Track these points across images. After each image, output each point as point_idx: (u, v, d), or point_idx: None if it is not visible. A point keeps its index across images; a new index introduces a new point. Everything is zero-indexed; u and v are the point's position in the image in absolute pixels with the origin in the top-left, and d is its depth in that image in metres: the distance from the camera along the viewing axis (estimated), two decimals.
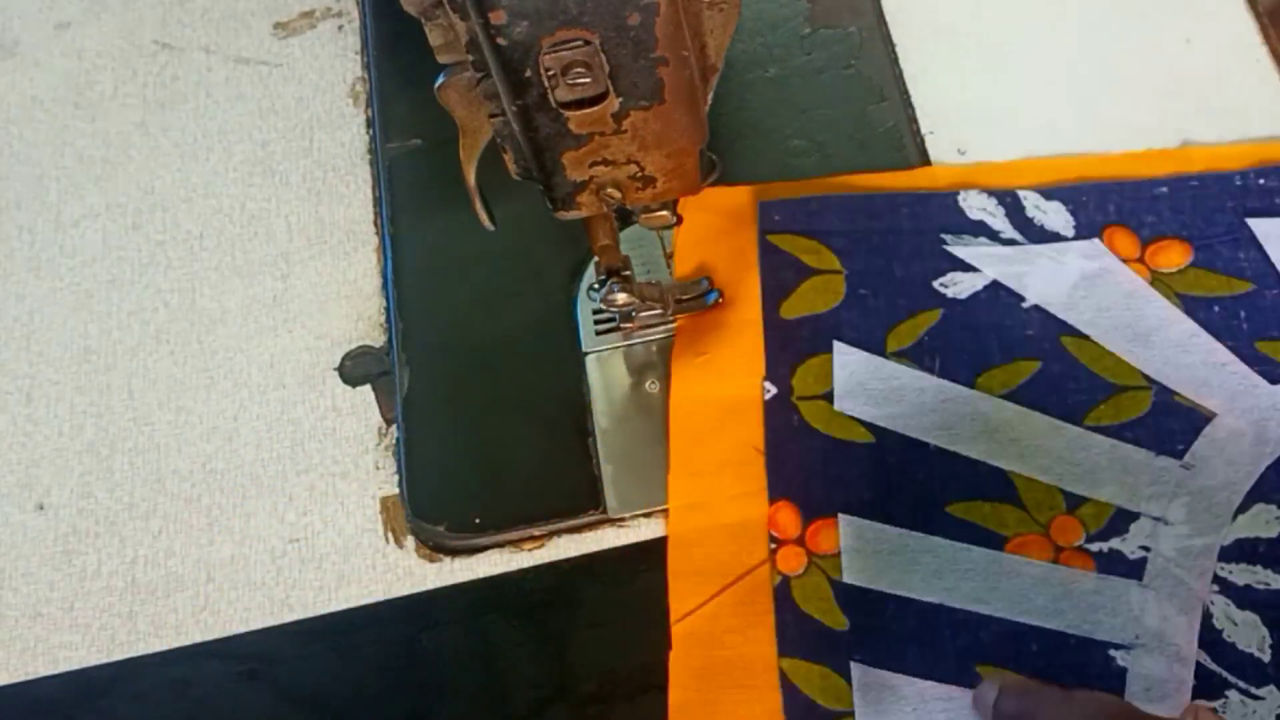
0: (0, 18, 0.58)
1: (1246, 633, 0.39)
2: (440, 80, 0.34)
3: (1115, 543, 0.40)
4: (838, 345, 0.44)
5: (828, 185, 0.48)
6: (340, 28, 0.56)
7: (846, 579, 0.41)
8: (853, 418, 0.43)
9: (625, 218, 0.43)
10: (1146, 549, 0.40)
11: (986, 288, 0.45)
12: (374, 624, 0.43)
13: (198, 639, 0.44)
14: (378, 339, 0.48)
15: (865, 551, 0.41)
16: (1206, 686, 0.38)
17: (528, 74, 0.31)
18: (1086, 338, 0.44)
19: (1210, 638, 0.39)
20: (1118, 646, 0.39)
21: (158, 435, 0.47)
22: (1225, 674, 0.38)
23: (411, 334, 0.48)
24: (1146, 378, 0.43)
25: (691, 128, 0.34)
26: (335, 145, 0.53)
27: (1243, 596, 0.39)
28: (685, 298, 0.45)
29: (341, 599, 0.44)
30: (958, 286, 0.45)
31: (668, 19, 0.30)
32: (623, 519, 0.43)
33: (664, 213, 0.40)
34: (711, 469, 0.43)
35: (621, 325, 0.46)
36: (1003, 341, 0.44)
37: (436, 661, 0.42)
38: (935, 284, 0.45)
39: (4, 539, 0.46)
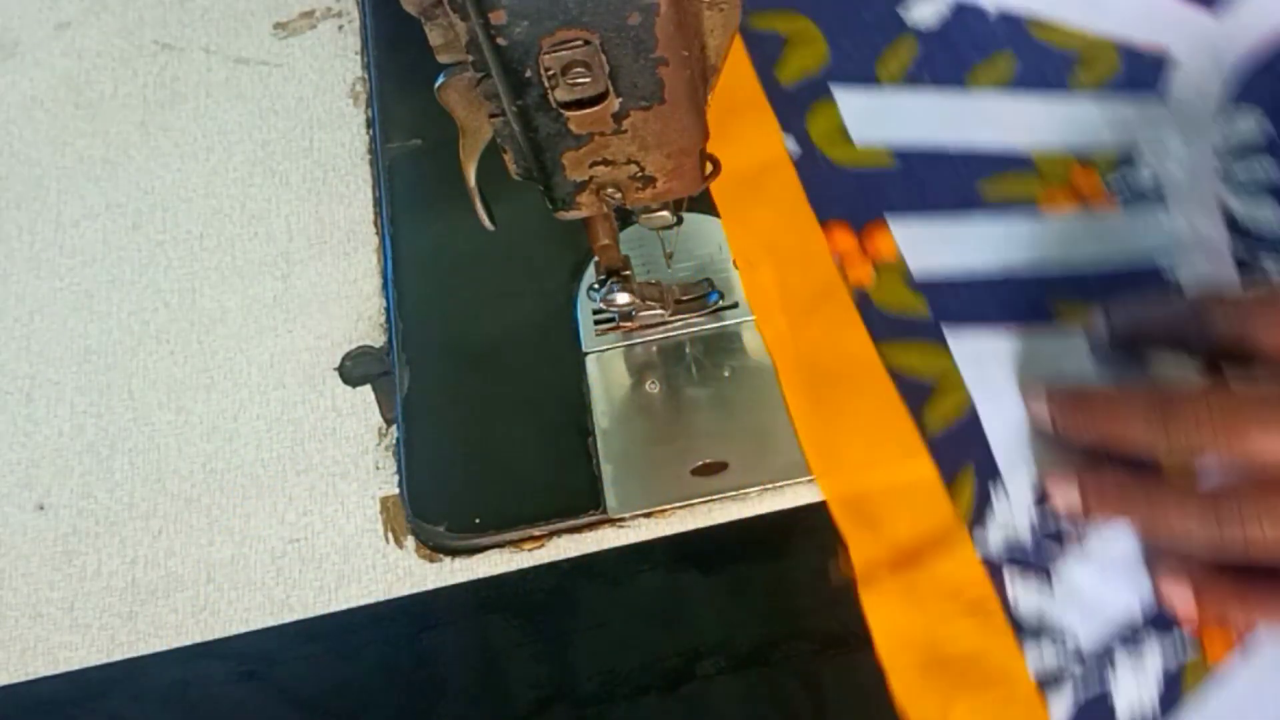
0: (0, 18, 0.58)
1: (1266, 216, 0.43)
2: (440, 80, 0.34)
3: (1130, 179, 0.45)
4: (834, 87, 0.49)
5: None
6: (340, 28, 0.56)
7: (915, 274, 0.44)
8: (874, 148, 0.47)
9: (625, 218, 0.43)
10: (1156, 175, 0.45)
11: (952, 10, 0.50)
12: (374, 624, 0.43)
13: (198, 639, 0.44)
14: (378, 339, 0.48)
15: (920, 245, 0.45)
16: (1247, 270, 0.43)
17: (528, 74, 0.31)
18: (1050, 23, 0.49)
19: (1236, 230, 0.43)
20: (1165, 263, 0.43)
21: (158, 435, 0.47)
22: (1260, 253, 0.43)
23: (411, 334, 0.48)
24: (1110, 39, 0.48)
25: (692, 128, 0.34)
26: (335, 145, 0.53)
27: (1253, 188, 0.44)
28: (686, 298, 0.45)
29: (341, 599, 0.44)
30: (921, 11, 0.50)
31: (668, 19, 0.30)
32: (623, 519, 0.43)
33: (664, 213, 0.40)
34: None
35: (621, 324, 0.46)
36: (982, 52, 0.49)
37: (436, 661, 0.42)
38: (898, 10, 0.50)
39: (4, 539, 0.46)
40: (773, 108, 0.49)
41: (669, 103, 0.32)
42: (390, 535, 0.44)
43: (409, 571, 0.44)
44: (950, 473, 0.41)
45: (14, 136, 0.55)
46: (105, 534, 0.46)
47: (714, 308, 0.45)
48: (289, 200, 0.52)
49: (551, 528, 0.44)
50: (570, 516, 0.44)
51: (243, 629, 0.44)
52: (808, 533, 0.42)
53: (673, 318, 0.45)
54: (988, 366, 0.42)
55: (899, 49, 0.49)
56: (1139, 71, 0.47)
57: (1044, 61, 0.48)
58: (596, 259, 0.42)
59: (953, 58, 0.49)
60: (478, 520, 0.44)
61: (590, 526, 0.44)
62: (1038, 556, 0.40)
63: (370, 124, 0.53)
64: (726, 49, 0.33)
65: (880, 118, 0.48)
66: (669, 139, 0.34)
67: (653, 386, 0.45)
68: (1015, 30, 0.49)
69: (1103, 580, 0.39)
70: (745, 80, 0.49)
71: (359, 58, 0.55)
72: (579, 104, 0.32)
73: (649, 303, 0.44)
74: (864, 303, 0.44)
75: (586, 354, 0.46)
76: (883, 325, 0.44)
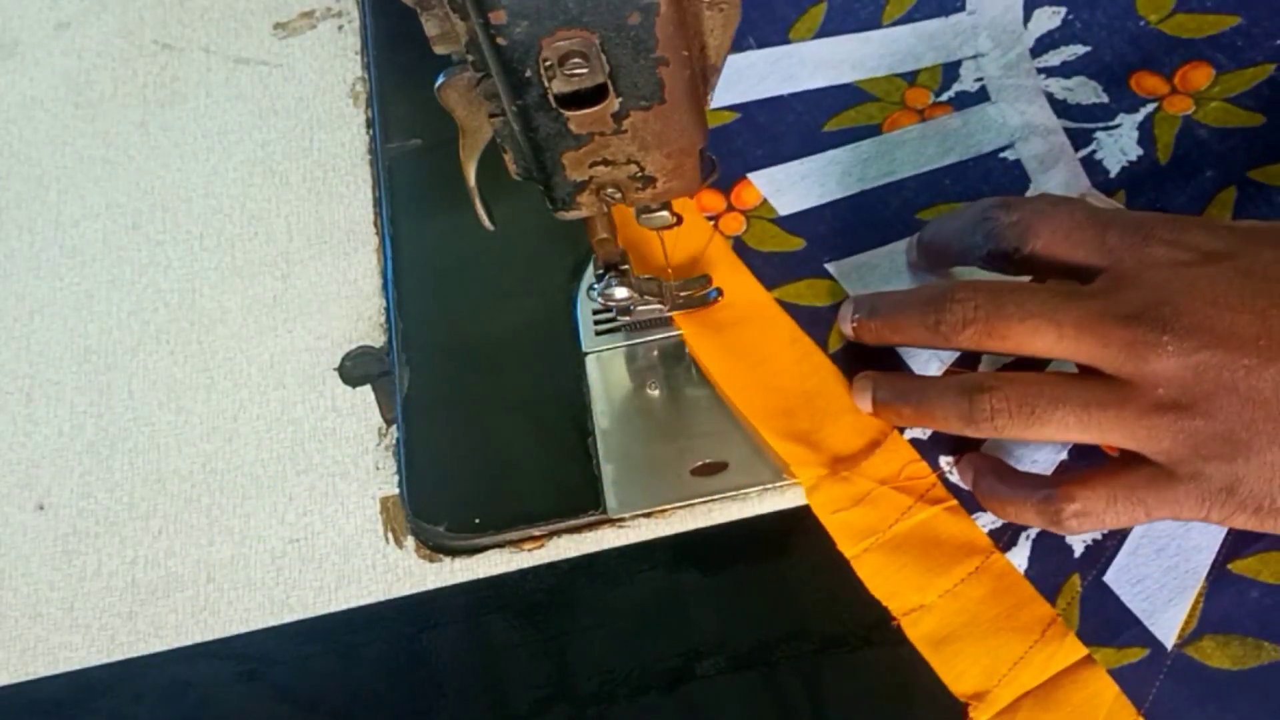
0: (0, 18, 0.58)
1: (1083, 91, 0.47)
2: (440, 80, 0.34)
3: (956, 87, 0.49)
4: None
5: None
6: (340, 28, 0.56)
7: (782, 213, 0.47)
8: (721, 108, 0.50)
9: None
10: (980, 79, 0.49)
11: None
12: (374, 624, 0.43)
13: (198, 639, 0.44)
14: (378, 339, 0.48)
15: (783, 188, 0.48)
16: (1078, 142, 0.46)
17: (528, 74, 0.31)
18: None
19: (1060, 108, 0.47)
20: (1003, 149, 0.47)
21: (158, 435, 0.47)
22: (1085, 124, 0.47)
23: (411, 334, 0.48)
24: None
25: (691, 128, 0.34)
26: (335, 145, 0.53)
27: (1065, 70, 0.48)
28: (684, 293, 0.45)
29: (341, 599, 0.44)
30: None
31: (668, 19, 0.30)
32: (623, 519, 0.43)
33: (664, 213, 0.40)
34: None
35: (619, 318, 0.46)
36: (796, 8, 0.52)
37: (436, 661, 0.42)
38: None
39: (4, 539, 0.46)
40: None
41: (669, 103, 0.32)
42: (390, 535, 0.44)
43: (409, 571, 0.44)
44: None
45: (14, 136, 0.55)
46: (105, 534, 0.46)
47: (713, 303, 0.45)
48: (289, 200, 0.52)
49: (551, 528, 0.44)
50: (570, 516, 0.44)
51: (243, 629, 0.44)
52: (807, 533, 0.42)
53: (671, 312, 0.45)
54: (870, 282, 0.45)
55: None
56: None
57: (852, 3, 0.51)
58: (595, 253, 0.42)
59: (771, 18, 0.52)
60: (478, 520, 0.44)
61: (590, 526, 0.44)
62: (963, 436, 0.41)
63: (370, 124, 0.53)
64: (726, 49, 0.33)
65: (730, 79, 0.50)
66: (669, 139, 0.34)
67: (653, 387, 0.45)
68: None
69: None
70: None
71: (359, 58, 0.55)
72: (578, 101, 0.32)
73: (647, 297, 0.44)
74: (742, 249, 0.47)
75: (586, 354, 0.46)
76: (765, 266, 0.46)
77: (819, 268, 0.46)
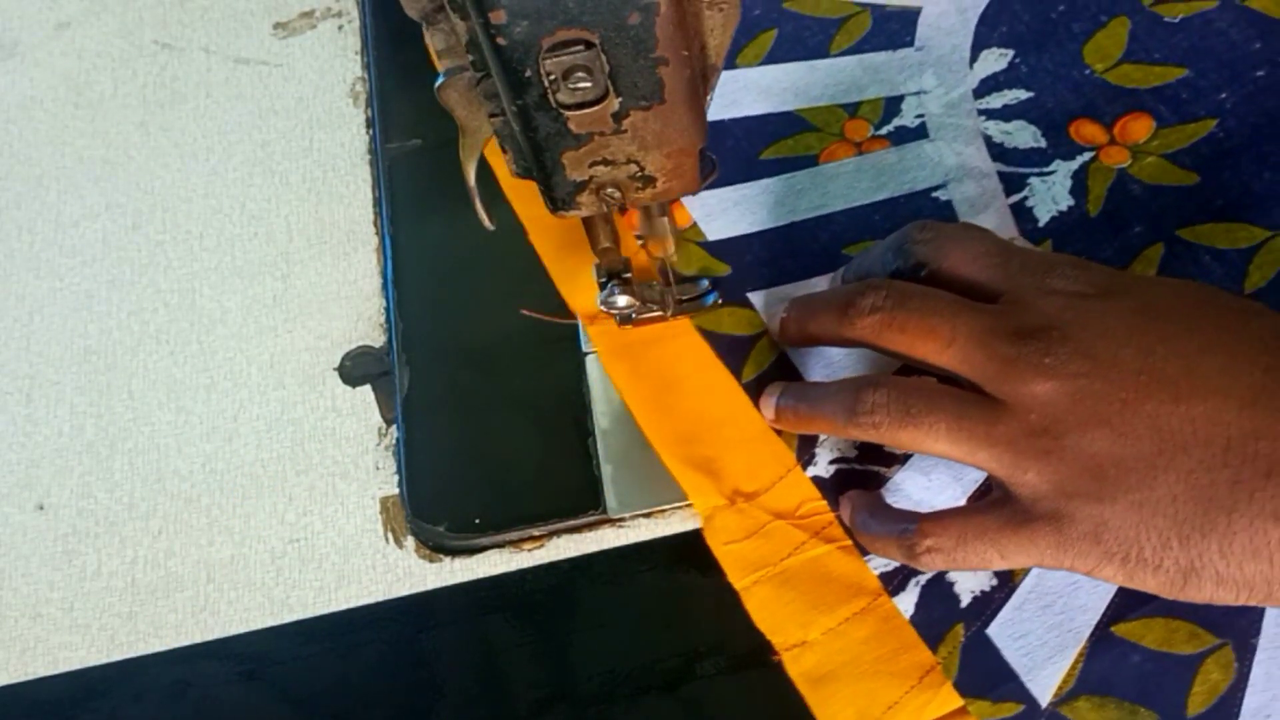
0: (0, 18, 0.58)
1: (1021, 135, 0.47)
2: (440, 80, 0.34)
3: (896, 122, 0.49)
4: None
5: None
6: (340, 28, 0.56)
7: (711, 238, 0.47)
8: None
9: None
10: (921, 115, 0.48)
11: None
12: (374, 624, 0.43)
13: (198, 639, 0.44)
14: (378, 339, 0.48)
15: (714, 214, 0.48)
16: (1012, 186, 0.46)
17: (528, 74, 0.31)
18: None
19: (997, 151, 0.47)
20: (936, 188, 0.47)
21: (158, 435, 0.47)
22: (1020, 169, 0.47)
23: (411, 334, 0.48)
24: (859, 3, 0.52)
25: (691, 128, 0.34)
26: (335, 145, 0.53)
27: (1006, 113, 0.48)
28: (685, 299, 0.45)
29: (341, 599, 0.44)
30: None
31: (668, 19, 0.30)
32: (623, 519, 0.43)
33: (663, 218, 0.40)
34: None
35: (621, 325, 0.46)
36: (747, 35, 0.52)
37: (436, 661, 0.42)
38: None
39: (4, 539, 0.46)
40: None
41: (669, 103, 0.32)
42: (390, 535, 0.44)
43: (409, 571, 0.44)
44: None
45: (14, 136, 0.55)
46: (105, 534, 0.46)
47: (713, 307, 0.45)
48: (289, 200, 0.52)
49: (551, 528, 0.44)
50: (570, 516, 0.44)
51: (243, 629, 0.44)
52: None
53: (673, 319, 0.45)
54: None
55: None
56: (891, 27, 0.51)
57: (803, 31, 0.51)
58: (597, 262, 0.42)
59: None
60: (478, 520, 0.44)
61: (590, 526, 0.44)
62: (867, 478, 0.42)
63: (370, 124, 0.53)
64: (726, 48, 0.33)
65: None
66: (669, 139, 0.34)
67: None
68: (772, 7, 0.52)
69: (928, 483, 0.41)
70: None
71: (359, 58, 0.55)
72: (579, 104, 0.32)
73: (649, 305, 0.44)
74: (665, 270, 0.46)
75: (586, 354, 0.46)
76: (688, 287, 0.46)
77: (741, 296, 0.46)
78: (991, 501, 0.36)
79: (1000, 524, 0.35)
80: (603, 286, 0.43)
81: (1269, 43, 0.46)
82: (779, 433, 0.43)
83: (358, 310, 0.49)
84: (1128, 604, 0.38)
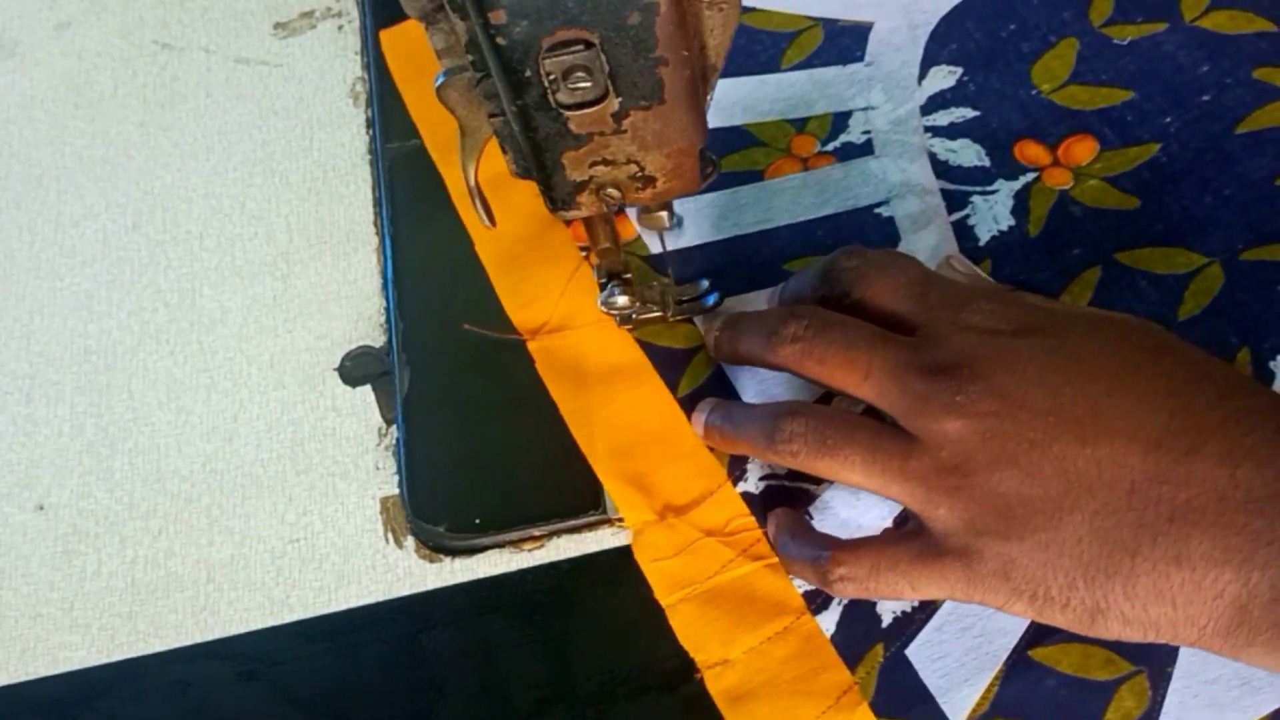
0: (0, 18, 0.58)
1: (965, 154, 0.47)
2: (440, 80, 0.34)
3: (842, 138, 0.48)
4: None
5: None
6: (340, 28, 0.56)
7: (654, 252, 0.47)
8: None
9: None
10: (868, 132, 0.48)
11: None
12: (374, 624, 0.43)
13: (198, 639, 0.44)
14: (378, 339, 0.48)
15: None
16: (954, 204, 0.46)
17: (528, 74, 0.31)
18: (762, 9, 0.52)
19: (941, 169, 0.47)
20: (879, 205, 0.47)
21: (158, 435, 0.47)
22: (963, 187, 0.46)
23: (411, 334, 0.48)
24: (811, 18, 0.51)
25: (691, 128, 0.34)
26: (335, 145, 0.53)
27: (952, 131, 0.47)
28: (685, 299, 0.45)
29: (341, 599, 0.44)
30: None
31: (668, 19, 0.30)
32: (622, 519, 0.43)
33: (663, 214, 0.40)
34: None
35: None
36: None
37: (436, 661, 0.42)
38: None
39: (4, 539, 0.46)
40: None
41: (669, 103, 0.32)
42: (390, 535, 0.44)
43: (409, 571, 0.44)
44: None
45: (14, 136, 0.55)
46: (105, 534, 0.46)
47: (713, 308, 0.45)
48: (289, 200, 0.52)
49: (551, 528, 0.44)
50: (570, 517, 0.44)
51: (243, 629, 0.44)
52: None
53: (672, 319, 0.45)
54: None
55: None
56: (843, 41, 0.50)
57: (755, 44, 0.51)
58: (598, 262, 0.42)
59: None
60: (478, 520, 0.44)
61: (590, 526, 0.44)
62: (796, 495, 0.42)
63: (370, 124, 0.53)
64: (726, 48, 0.33)
65: None
66: (669, 139, 0.34)
67: None
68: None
69: (856, 501, 0.41)
70: None
71: (359, 58, 0.55)
72: (579, 104, 0.32)
73: (649, 305, 0.44)
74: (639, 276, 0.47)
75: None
76: None
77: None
78: (906, 533, 0.36)
79: (912, 557, 0.36)
80: (603, 287, 0.43)
81: (1217, 65, 0.46)
82: (712, 448, 0.43)
83: (358, 310, 0.49)
84: (1045, 629, 0.38)
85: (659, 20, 0.30)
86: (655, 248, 0.47)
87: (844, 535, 0.40)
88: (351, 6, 0.56)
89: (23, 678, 0.44)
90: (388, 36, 0.53)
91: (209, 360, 0.49)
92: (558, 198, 0.36)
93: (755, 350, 0.40)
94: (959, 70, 0.49)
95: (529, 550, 0.43)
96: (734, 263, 0.46)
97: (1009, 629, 0.39)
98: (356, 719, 0.42)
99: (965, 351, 0.35)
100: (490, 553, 0.44)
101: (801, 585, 0.41)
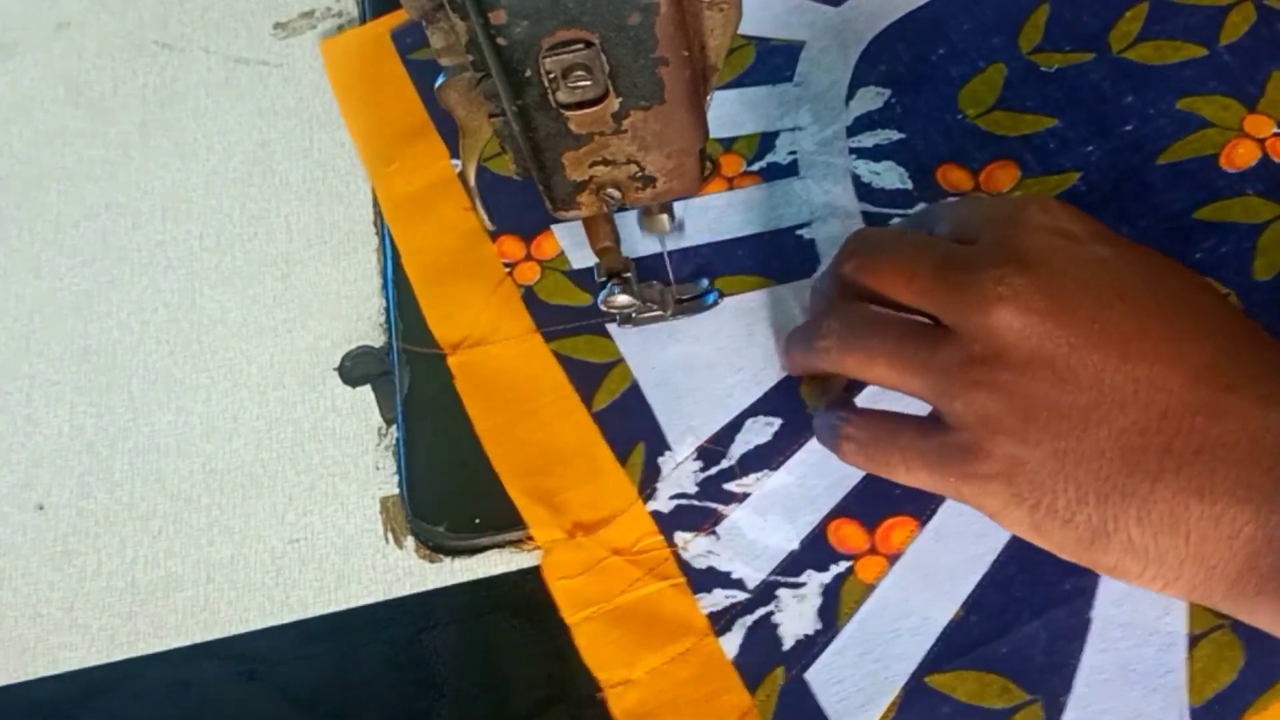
0: (0, 18, 0.58)
1: (889, 176, 0.46)
2: (440, 80, 0.34)
3: (769, 158, 0.48)
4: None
5: None
6: (340, 28, 0.56)
7: (576, 266, 0.47)
8: None
9: None
10: (794, 152, 0.48)
11: None
12: (374, 624, 0.43)
13: (198, 639, 0.44)
14: (378, 339, 0.48)
15: (582, 242, 0.45)
16: (874, 225, 0.46)
17: (528, 74, 0.31)
18: None
19: (864, 191, 0.47)
20: (801, 226, 0.46)
21: (158, 435, 0.47)
22: (884, 210, 0.46)
23: (411, 334, 0.48)
24: (744, 36, 0.51)
25: (691, 128, 0.34)
26: (335, 145, 0.53)
27: (876, 153, 0.47)
28: (685, 298, 0.45)
29: (341, 599, 0.44)
30: None
31: (668, 19, 0.30)
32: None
33: (663, 216, 0.40)
34: (434, 245, 0.48)
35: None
36: None
37: (436, 661, 0.42)
38: None
39: (4, 539, 0.46)
40: (439, 133, 0.50)
41: (669, 103, 0.32)
42: (390, 535, 0.44)
43: (409, 571, 0.44)
44: (623, 450, 0.43)
45: (14, 136, 0.55)
46: (105, 534, 0.46)
47: (713, 306, 0.45)
48: (289, 200, 0.52)
49: None
50: None
51: (242, 629, 0.44)
52: None
53: (672, 318, 0.45)
54: (647, 345, 0.45)
55: None
56: (774, 61, 0.50)
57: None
58: (598, 261, 0.42)
59: None
60: (477, 520, 0.44)
61: None
62: (705, 514, 0.42)
63: None
64: (726, 49, 0.33)
65: None
66: (669, 139, 0.34)
67: None
68: None
69: (763, 523, 0.41)
70: (410, 108, 0.51)
71: None
72: (579, 104, 0.32)
73: (649, 304, 0.44)
74: (531, 300, 0.47)
75: None
76: (550, 318, 0.46)
77: (600, 326, 0.46)
78: (922, 418, 0.36)
79: (915, 438, 0.35)
80: (603, 286, 0.43)
81: (1142, 96, 0.46)
82: (623, 465, 0.43)
83: (358, 310, 0.49)
84: (944, 654, 0.39)
85: (659, 20, 0.30)
86: (578, 262, 0.47)
87: (751, 557, 0.41)
88: (351, 6, 0.56)
89: (22, 678, 0.44)
90: (328, 46, 0.53)
91: (209, 360, 0.49)
92: (558, 198, 0.36)
93: (822, 295, 0.40)
94: (887, 92, 0.48)
95: (529, 550, 0.43)
96: (654, 279, 0.46)
97: (907, 654, 0.39)
98: (356, 719, 0.42)
99: (1018, 245, 0.34)
100: (490, 553, 0.44)
101: (707, 606, 0.41)
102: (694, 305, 0.45)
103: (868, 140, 0.47)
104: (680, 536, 0.42)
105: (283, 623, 0.43)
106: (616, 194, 0.36)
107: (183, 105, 0.54)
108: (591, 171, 0.35)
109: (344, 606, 0.43)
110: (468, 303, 0.47)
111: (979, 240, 0.36)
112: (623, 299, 0.43)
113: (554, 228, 0.48)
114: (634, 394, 0.44)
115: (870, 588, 0.40)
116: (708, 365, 0.44)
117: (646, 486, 0.43)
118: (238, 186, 0.52)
